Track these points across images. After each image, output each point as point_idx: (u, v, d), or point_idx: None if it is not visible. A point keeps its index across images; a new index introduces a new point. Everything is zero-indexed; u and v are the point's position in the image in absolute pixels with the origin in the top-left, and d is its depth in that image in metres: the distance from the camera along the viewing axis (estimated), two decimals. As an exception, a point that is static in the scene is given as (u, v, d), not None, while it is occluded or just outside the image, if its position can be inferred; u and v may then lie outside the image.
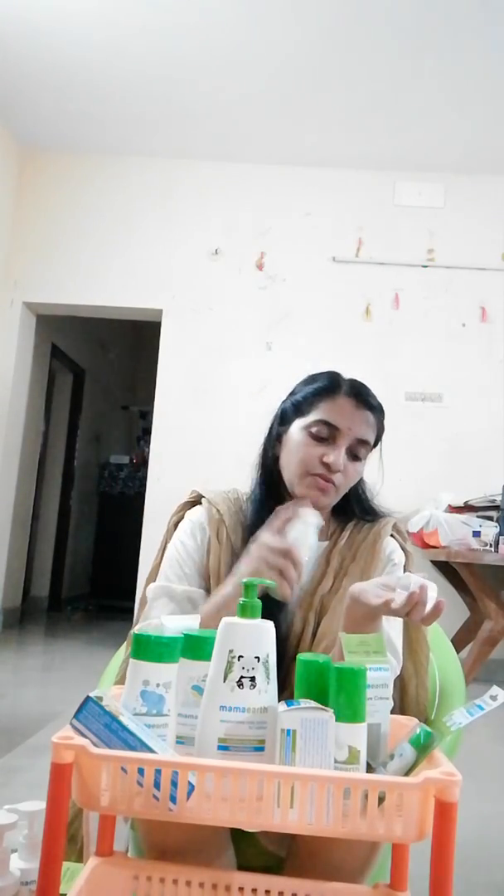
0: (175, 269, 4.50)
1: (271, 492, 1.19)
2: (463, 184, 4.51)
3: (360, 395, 1.16)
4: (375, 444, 1.20)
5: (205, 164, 4.59)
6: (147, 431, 5.19)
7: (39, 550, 5.89)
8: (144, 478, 4.69)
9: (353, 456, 1.14)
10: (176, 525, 1.21)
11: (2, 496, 4.48)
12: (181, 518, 1.22)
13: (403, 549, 1.19)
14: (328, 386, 1.16)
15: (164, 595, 1.12)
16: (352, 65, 3.65)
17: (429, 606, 0.88)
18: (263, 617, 0.80)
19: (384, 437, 1.20)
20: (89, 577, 6.62)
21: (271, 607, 0.94)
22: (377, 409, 1.17)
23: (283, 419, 1.20)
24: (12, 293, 4.52)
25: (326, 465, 1.11)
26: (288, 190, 4.56)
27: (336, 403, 1.14)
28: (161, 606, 1.11)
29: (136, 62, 3.73)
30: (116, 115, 4.24)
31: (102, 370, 6.81)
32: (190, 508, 1.22)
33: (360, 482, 1.23)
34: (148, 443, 4.55)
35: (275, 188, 4.57)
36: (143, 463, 5.91)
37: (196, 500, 1.23)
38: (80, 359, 6.09)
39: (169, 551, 1.17)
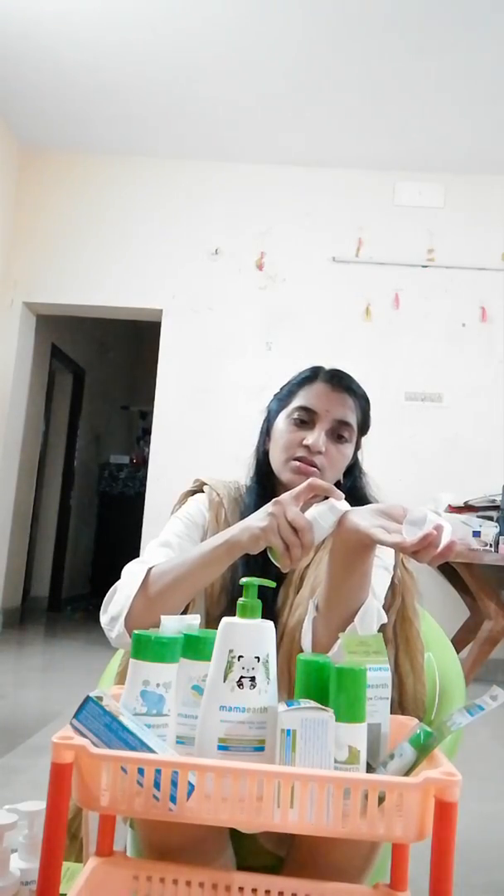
0: (175, 269, 4.50)
1: (265, 485, 1.21)
2: (463, 184, 4.51)
3: (336, 379, 1.18)
4: (363, 432, 1.21)
5: (205, 164, 4.59)
6: (147, 431, 5.19)
7: (39, 550, 5.88)
8: (144, 478, 4.68)
9: (338, 438, 1.16)
10: None
11: (2, 496, 4.47)
12: (184, 505, 1.25)
13: None
14: (308, 376, 1.21)
15: (159, 545, 1.15)
16: (352, 65, 3.65)
17: (440, 547, 0.84)
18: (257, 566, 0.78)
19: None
20: (89, 577, 6.62)
21: (269, 564, 0.98)
22: (356, 394, 1.19)
23: (271, 415, 1.24)
24: (12, 293, 4.52)
25: (307, 448, 1.13)
26: (288, 190, 4.55)
27: (313, 389, 1.18)
28: (153, 548, 1.14)
29: (137, 62, 3.73)
30: (116, 116, 4.24)
31: (102, 370, 6.81)
32: (192, 496, 1.26)
33: (360, 473, 1.24)
34: (148, 443, 4.55)
35: (275, 188, 4.56)
36: (143, 463, 5.91)
37: (198, 489, 1.26)
38: (80, 359, 6.09)
39: (171, 523, 1.20)
